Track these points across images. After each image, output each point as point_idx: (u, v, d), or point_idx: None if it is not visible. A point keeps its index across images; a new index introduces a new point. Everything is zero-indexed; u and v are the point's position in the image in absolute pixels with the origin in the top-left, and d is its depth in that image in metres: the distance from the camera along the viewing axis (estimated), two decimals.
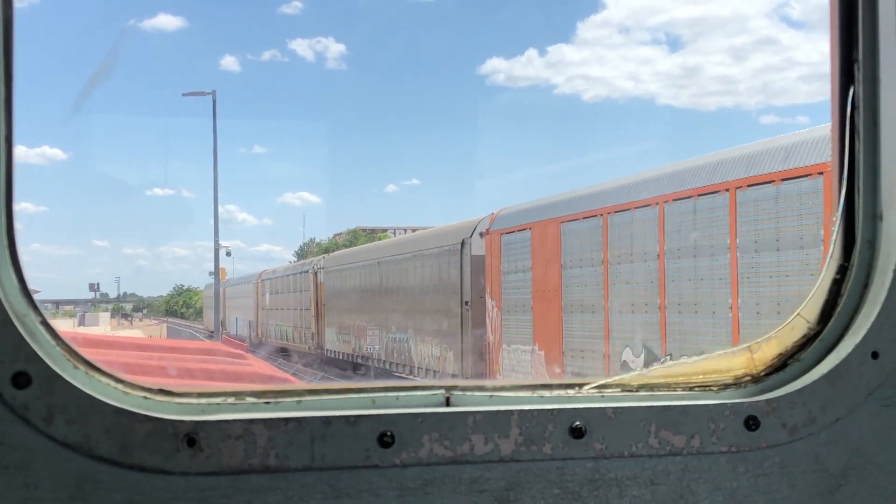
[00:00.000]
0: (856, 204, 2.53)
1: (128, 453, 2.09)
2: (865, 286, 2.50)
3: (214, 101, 48.67)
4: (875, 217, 2.50)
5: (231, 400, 2.24)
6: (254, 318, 70.83)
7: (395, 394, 2.30)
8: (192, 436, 2.11)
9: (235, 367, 7.60)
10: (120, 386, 2.19)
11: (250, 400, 2.25)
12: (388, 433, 2.18)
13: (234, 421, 2.14)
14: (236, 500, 2.13)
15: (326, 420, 2.17)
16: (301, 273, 57.84)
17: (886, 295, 2.42)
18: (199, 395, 2.25)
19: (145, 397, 2.19)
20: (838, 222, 2.55)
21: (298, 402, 2.25)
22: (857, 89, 2.52)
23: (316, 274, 53.38)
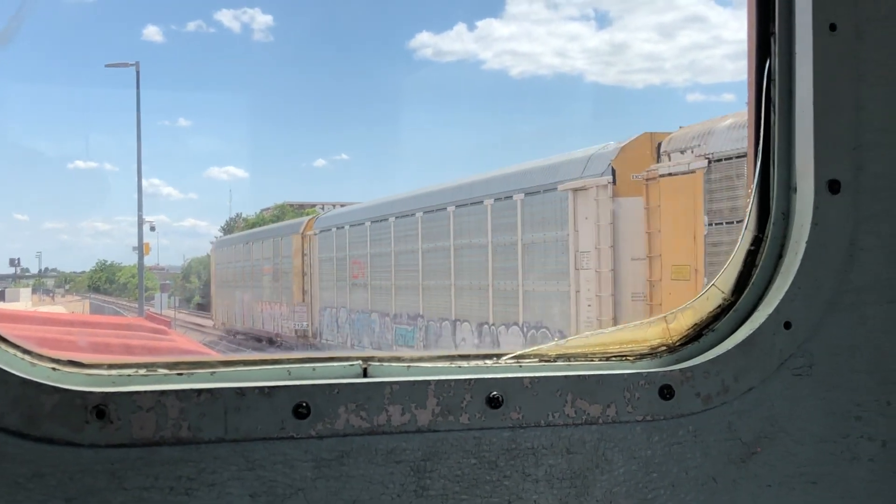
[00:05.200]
0: (771, 176, 2.56)
1: (35, 425, 2.04)
2: (779, 257, 2.53)
3: (138, 73, 47.92)
4: (789, 189, 2.54)
5: (142, 371, 2.20)
6: None
7: (312, 365, 2.28)
8: (101, 407, 2.07)
9: (157, 343, 7.49)
10: (27, 357, 2.13)
11: (162, 371, 2.21)
12: (304, 404, 2.16)
13: (146, 392, 2.10)
14: (147, 472, 2.09)
15: (240, 391, 2.14)
16: None
17: (799, 266, 2.46)
18: (110, 366, 2.21)
19: (54, 368, 2.14)
20: (753, 194, 2.58)
21: (212, 373, 2.22)
22: (773, 62, 2.55)
23: None
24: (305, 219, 49.31)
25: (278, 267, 48.44)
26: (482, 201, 30.53)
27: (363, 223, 40.02)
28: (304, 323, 45.28)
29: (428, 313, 34.13)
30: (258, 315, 50.86)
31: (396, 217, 36.95)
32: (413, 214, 35.43)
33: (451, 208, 32.46)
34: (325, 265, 43.77)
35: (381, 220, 38.35)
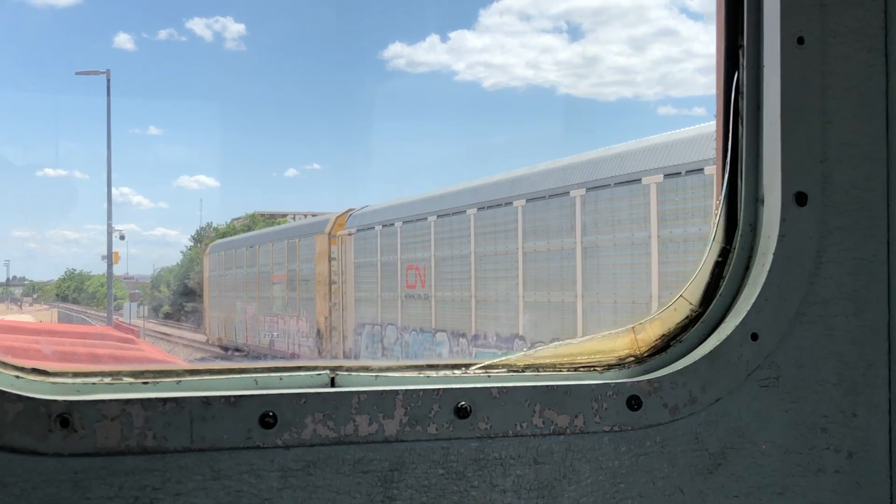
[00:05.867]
0: (738, 188, 2.58)
1: None
2: (746, 269, 2.55)
3: (109, 81, 47.75)
4: (757, 201, 2.56)
5: (107, 380, 2.18)
6: None
7: (279, 374, 2.27)
8: (65, 416, 2.05)
9: (124, 352, 7.44)
10: None
11: (127, 380, 2.19)
12: (270, 413, 2.15)
13: (110, 401, 2.08)
14: (111, 482, 2.07)
15: (206, 400, 2.13)
16: None
17: (766, 278, 2.48)
18: (75, 374, 2.19)
19: (17, 376, 2.12)
20: (721, 206, 2.59)
21: (178, 382, 2.20)
22: (742, 75, 2.57)
23: None
24: (331, 215, 39.48)
25: (294, 274, 40.38)
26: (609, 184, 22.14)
27: (424, 218, 30.78)
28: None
29: (533, 333, 25.06)
30: (265, 330, 43.15)
31: (479, 209, 27.91)
32: (509, 203, 26.15)
33: (577, 192, 23.23)
34: (363, 272, 35.40)
35: (453, 214, 29.11)
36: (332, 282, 37.24)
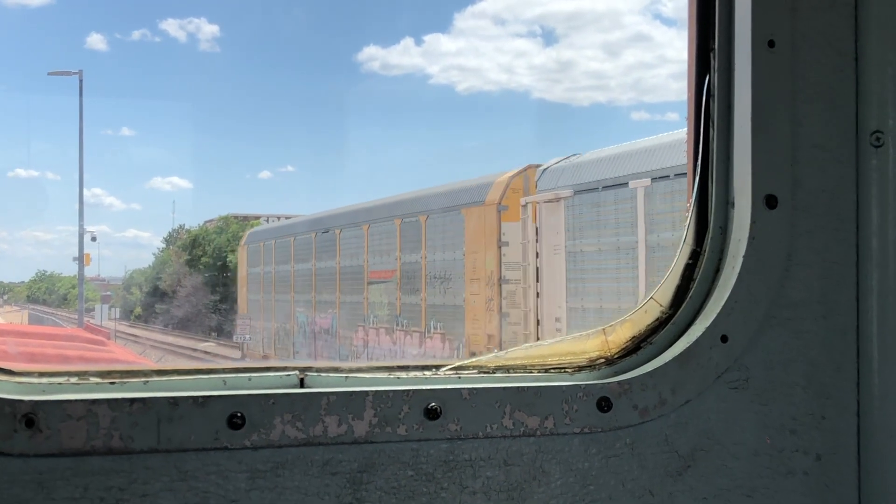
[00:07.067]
0: (709, 191, 2.58)
1: None
2: (716, 272, 2.55)
3: (81, 81, 47.46)
4: (727, 204, 2.56)
5: (74, 380, 2.16)
6: None
7: (248, 375, 2.25)
8: (30, 416, 2.03)
9: (94, 354, 7.39)
10: None
11: (94, 380, 2.17)
12: (239, 414, 2.14)
13: (76, 401, 2.06)
14: (76, 483, 2.05)
15: (174, 401, 2.11)
16: None
17: (736, 280, 2.48)
18: (41, 374, 2.16)
19: None
20: (692, 209, 2.60)
21: (145, 382, 2.18)
22: (713, 78, 2.58)
23: None
24: (493, 177, 25.96)
25: (415, 268, 28.06)
26: None
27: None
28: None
29: None
30: (356, 348, 30.78)
31: None
32: None
33: None
34: (586, 262, 21.77)
35: None
36: (504, 280, 24.94)
